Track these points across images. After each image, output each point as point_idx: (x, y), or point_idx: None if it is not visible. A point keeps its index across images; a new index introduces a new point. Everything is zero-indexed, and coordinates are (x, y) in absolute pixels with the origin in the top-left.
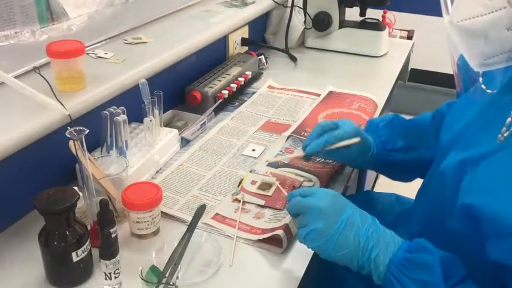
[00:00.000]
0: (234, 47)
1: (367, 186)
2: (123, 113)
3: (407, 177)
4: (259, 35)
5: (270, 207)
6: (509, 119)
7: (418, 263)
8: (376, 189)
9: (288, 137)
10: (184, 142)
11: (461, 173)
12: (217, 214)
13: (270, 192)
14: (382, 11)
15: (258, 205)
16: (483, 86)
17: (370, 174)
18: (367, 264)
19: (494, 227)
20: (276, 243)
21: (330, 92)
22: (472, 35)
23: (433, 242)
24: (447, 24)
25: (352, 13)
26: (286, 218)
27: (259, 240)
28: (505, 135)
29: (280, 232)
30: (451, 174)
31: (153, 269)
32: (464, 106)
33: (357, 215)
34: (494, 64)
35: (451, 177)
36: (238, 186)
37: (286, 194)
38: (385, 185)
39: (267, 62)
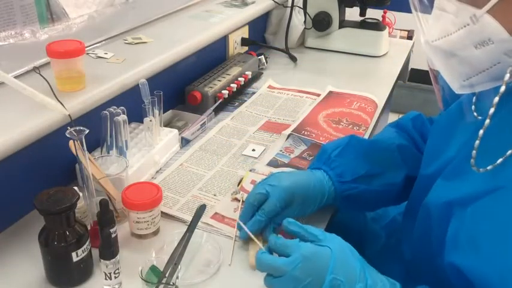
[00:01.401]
0: (234, 47)
1: None
2: (123, 113)
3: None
4: (259, 35)
5: None
6: (477, 142)
7: None
8: None
9: (289, 136)
10: (184, 142)
11: (448, 214)
12: (216, 213)
13: None
14: (382, 11)
15: None
16: (475, 113)
17: None
18: None
19: None
20: None
21: (330, 92)
22: (447, 55)
23: (424, 271)
24: (424, 45)
25: (352, 13)
26: None
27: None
28: (488, 168)
29: None
30: (438, 214)
31: (153, 269)
32: (448, 127)
33: (341, 276)
34: (474, 86)
35: (438, 216)
36: (237, 186)
37: None
38: None
39: (267, 62)
